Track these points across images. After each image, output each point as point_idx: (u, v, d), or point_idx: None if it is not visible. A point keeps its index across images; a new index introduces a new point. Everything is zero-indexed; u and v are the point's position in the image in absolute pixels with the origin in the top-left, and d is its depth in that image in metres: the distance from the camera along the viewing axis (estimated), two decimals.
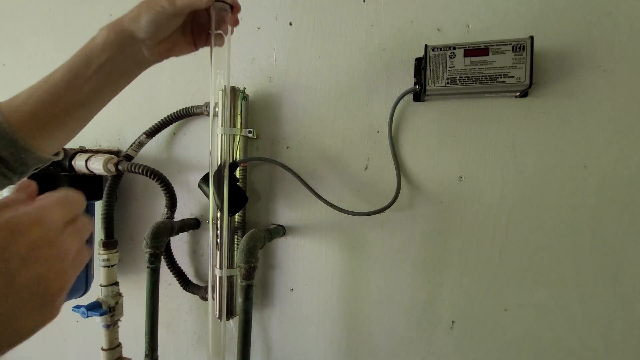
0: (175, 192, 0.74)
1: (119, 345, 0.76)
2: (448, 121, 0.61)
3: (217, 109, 0.62)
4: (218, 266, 0.66)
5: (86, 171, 0.71)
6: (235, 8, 0.42)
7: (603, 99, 0.54)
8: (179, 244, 0.78)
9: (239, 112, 0.67)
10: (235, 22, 0.44)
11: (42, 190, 0.25)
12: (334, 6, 0.66)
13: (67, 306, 0.74)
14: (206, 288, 0.74)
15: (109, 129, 0.83)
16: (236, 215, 0.68)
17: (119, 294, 0.76)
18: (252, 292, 0.62)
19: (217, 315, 0.66)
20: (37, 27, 0.89)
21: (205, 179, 0.64)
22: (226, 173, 0.37)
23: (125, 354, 0.77)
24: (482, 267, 0.60)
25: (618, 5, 0.53)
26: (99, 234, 0.77)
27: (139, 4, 0.38)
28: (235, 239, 0.69)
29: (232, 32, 0.45)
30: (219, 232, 0.68)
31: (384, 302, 0.66)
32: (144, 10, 0.37)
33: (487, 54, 0.53)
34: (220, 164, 0.66)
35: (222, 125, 0.65)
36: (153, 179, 0.69)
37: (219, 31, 0.43)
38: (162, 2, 0.37)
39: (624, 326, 0.55)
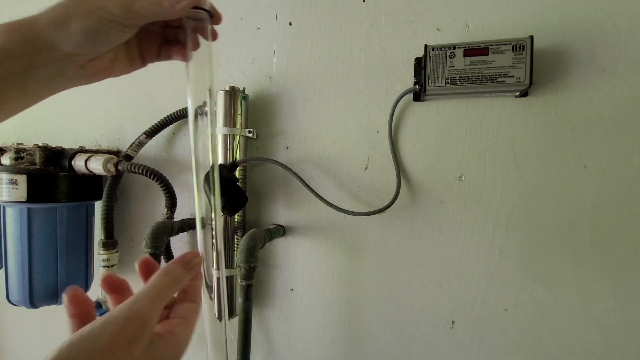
0: (175, 192, 0.74)
1: None
2: (448, 121, 0.61)
3: (205, 108, 0.62)
4: (215, 267, 0.66)
5: (86, 171, 0.71)
6: (215, 17, 0.32)
7: (603, 98, 0.54)
8: (179, 244, 0.78)
9: (238, 112, 0.67)
10: (215, 36, 0.33)
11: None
12: (334, 6, 0.66)
13: None
14: (205, 288, 0.74)
15: (108, 129, 0.83)
16: (236, 215, 0.68)
17: None
18: (252, 292, 0.62)
19: (217, 316, 0.66)
20: None
21: (204, 179, 0.64)
22: (216, 173, 0.36)
23: None
24: (482, 267, 0.60)
25: (618, 5, 0.53)
26: (98, 234, 0.77)
27: (65, 1, 0.26)
28: (235, 239, 0.69)
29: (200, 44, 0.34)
30: (214, 232, 0.68)
31: (384, 302, 0.66)
32: (75, 12, 0.26)
33: (487, 54, 0.53)
34: (212, 163, 0.66)
35: (211, 126, 0.65)
36: (153, 179, 0.69)
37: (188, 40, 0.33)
38: (108, 5, 0.26)
39: (623, 326, 0.55)
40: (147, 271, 0.28)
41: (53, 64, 0.27)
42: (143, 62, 0.34)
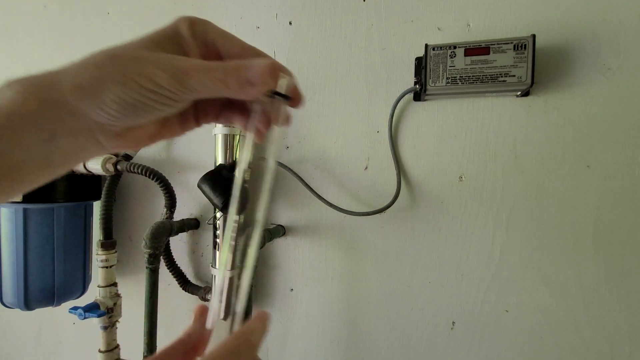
0: (175, 192, 0.73)
1: (117, 347, 0.75)
2: (448, 121, 0.60)
3: None
4: (230, 267, 0.66)
5: (84, 171, 0.70)
6: (294, 101, 0.25)
7: (607, 97, 0.53)
8: (179, 244, 0.78)
9: None
10: (289, 121, 0.26)
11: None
12: (334, 5, 0.66)
13: (64, 308, 0.73)
14: (205, 288, 0.73)
15: None
16: None
17: (118, 295, 0.75)
18: (252, 292, 0.62)
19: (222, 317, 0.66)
20: (32, 24, 0.88)
21: (204, 179, 0.63)
22: (240, 173, 0.29)
23: (123, 356, 0.76)
24: (482, 267, 0.60)
25: (624, 2, 0.52)
26: (97, 235, 0.76)
27: (97, 59, 0.20)
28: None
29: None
30: (218, 232, 0.67)
31: (384, 302, 0.65)
32: (109, 77, 0.19)
33: (488, 53, 0.53)
34: (222, 163, 0.65)
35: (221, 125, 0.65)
36: (152, 179, 0.69)
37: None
38: (153, 72, 0.19)
39: (629, 327, 0.54)
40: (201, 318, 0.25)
41: (84, 132, 0.21)
42: (197, 124, 0.27)
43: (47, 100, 0.19)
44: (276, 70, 0.21)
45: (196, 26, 0.22)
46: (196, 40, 0.22)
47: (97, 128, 0.21)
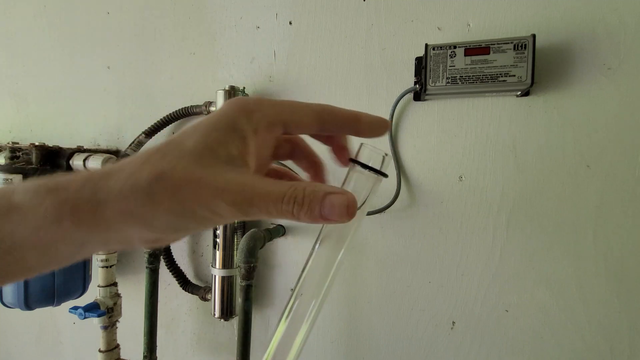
0: None
1: (117, 346, 0.75)
2: (448, 121, 0.60)
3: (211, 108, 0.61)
4: (218, 266, 0.66)
5: None
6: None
7: (607, 97, 0.53)
8: (179, 244, 0.78)
9: None
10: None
11: None
12: (334, 5, 0.66)
13: (64, 307, 0.73)
14: (205, 288, 0.74)
15: (107, 128, 0.82)
16: None
17: (118, 295, 0.75)
18: (252, 292, 0.62)
19: (217, 315, 0.66)
20: (32, 24, 0.88)
21: None
22: None
23: (123, 356, 0.76)
24: (482, 267, 0.60)
25: (624, 2, 0.52)
26: None
27: (144, 178, 0.17)
28: (235, 238, 0.68)
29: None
30: (218, 232, 0.67)
31: (384, 302, 0.65)
32: (165, 207, 0.17)
33: (488, 53, 0.52)
34: None
35: None
36: None
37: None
38: (216, 205, 0.17)
39: (629, 328, 0.54)
40: None
41: (118, 242, 0.19)
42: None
43: (85, 221, 0.17)
44: (353, 209, 0.19)
45: (254, 115, 0.20)
46: (255, 129, 0.20)
47: (136, 239, 0.19)
